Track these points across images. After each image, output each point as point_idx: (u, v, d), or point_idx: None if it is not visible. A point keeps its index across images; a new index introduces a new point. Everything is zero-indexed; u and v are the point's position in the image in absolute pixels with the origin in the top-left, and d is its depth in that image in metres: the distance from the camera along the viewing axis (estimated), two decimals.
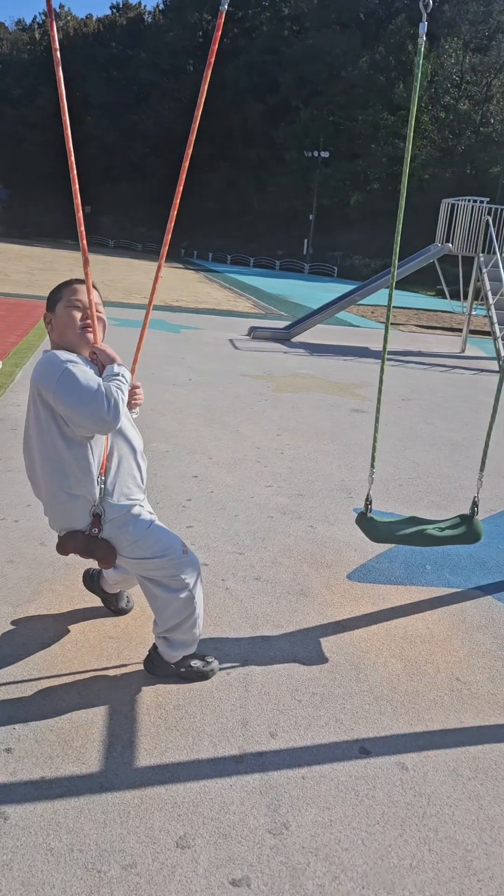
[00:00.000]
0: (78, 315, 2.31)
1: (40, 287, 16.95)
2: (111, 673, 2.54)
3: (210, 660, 2.59)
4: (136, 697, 2.42)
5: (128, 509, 2.32)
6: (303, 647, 2.83)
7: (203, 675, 2.55)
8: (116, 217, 64.69)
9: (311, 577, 3.45)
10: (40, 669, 2.52)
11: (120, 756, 2.15)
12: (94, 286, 2.43)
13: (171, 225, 2.64)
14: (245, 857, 1.84)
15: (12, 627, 2.76)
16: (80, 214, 2.39)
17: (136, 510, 2.35)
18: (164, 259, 2.73)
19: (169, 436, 5.63)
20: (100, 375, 2.23)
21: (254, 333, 12.54)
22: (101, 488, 2.24)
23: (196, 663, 2.54)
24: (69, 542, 2.29)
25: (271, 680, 2.59)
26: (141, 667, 2.58)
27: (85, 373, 2.14)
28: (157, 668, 2.52)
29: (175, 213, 2.59)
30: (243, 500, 4.37)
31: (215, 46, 2.46)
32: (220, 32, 2.41)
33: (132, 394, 2.50)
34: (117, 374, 2.21)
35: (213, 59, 2.45)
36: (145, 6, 73.52)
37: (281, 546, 3.76)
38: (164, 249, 2.71)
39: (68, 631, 2.77)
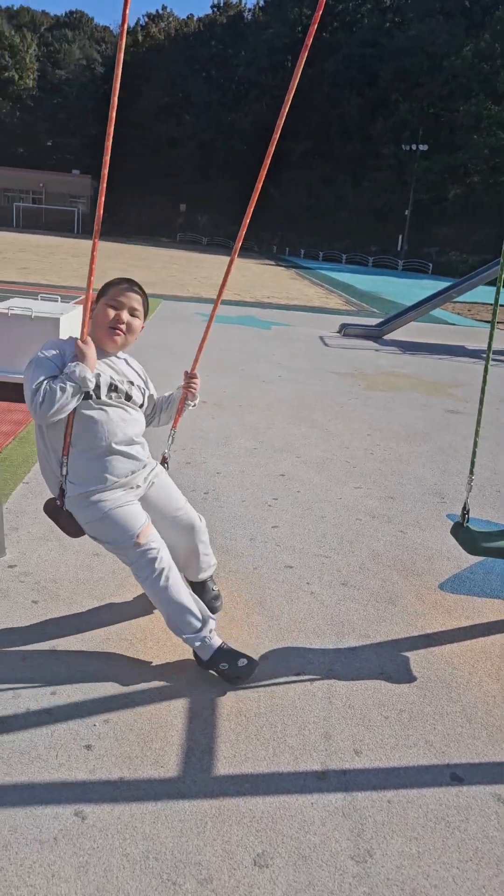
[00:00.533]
0: (111, 314, 2.44)
1: None
2: (192, 674, 2.49)
3: (242, 663, 2.42)
4: (216, 701, 2.36)
5: (86, 494, 2.43)
6: (391, 659, 2.70)
7: (231, 678, 2.43)
8: (211, 215, 65.46)
9: (400, 584, 3.30)
10: (122, 665, 2.50)
11: (198, 762, 2.09)
12: (138, 291, 2.49)
13: (246, 221, 2.59)
14: (325, 883, 1.74)
15: (95, 621, 2.76)
16: (100, 212, 2.34)
17: (95, 497, 2.43)
18: (236, 254, 2.71)
19: (257, 432, 5.57)
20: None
21: (345, 330, 12.34)
22: (63, 468, 2.43)
23: (223, 666, 2.43)
24: (46, 504, 2.55)
25: (357, 693, 2.48)
26: None
27: (42, 368, 2.34)
28: (198, 661, 2.50)
29: (253, 206, 2.55)
30: (331, 501, 4.25)
31: (310, 40, 2.37)
32: (315, 27, 2.30)
33: (187, 384, 2.69)
34: (67, 374, 2.31)
35: (307, 49, 2.35)
36: (245, 4, 73.89)
37: (369, 551, 3.63)
38: (238, 244, 2.65)
39: (151, 628, 2.75)
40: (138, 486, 2.56)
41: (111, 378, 2.48)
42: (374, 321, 13.88)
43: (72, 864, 1.73)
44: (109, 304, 2.44)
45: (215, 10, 74.10)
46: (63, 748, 2.09)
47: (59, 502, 2.49)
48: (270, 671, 2.55)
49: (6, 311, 5.58)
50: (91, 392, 2.38)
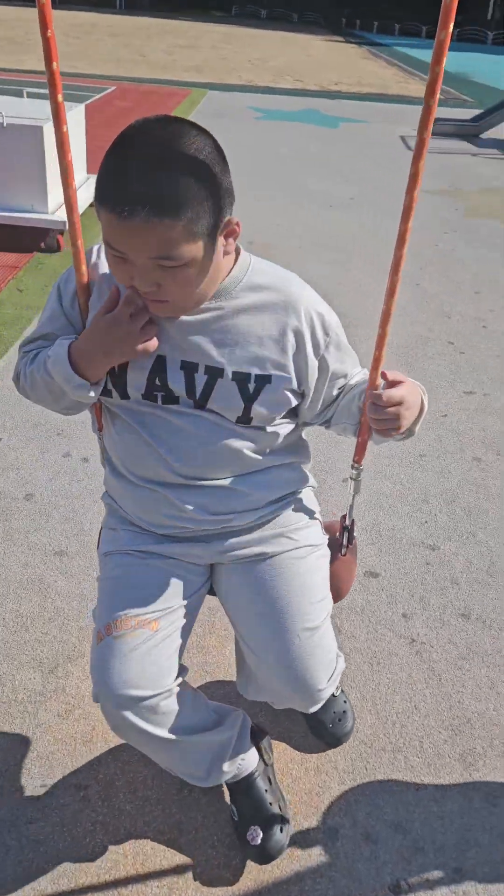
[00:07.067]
0: (117, 272, 1.03)
1: (178, 70, 14.58)
2: None
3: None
4: None
5: (108, 510, 1.37)
6: None
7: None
8: None
9: None
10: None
11: None
12: (158, 208, 0.92)
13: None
14: None
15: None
16: None
17: (111, 525, 1.32)
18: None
19: (324, 293, 3.98)
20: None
21: (433, 128, 9.88)
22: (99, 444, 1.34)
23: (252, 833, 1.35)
24: None
25: None
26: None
27: (44, 316, 1.22)
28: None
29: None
30: (429, 423, 2.80)
31: None
32: None
33: (375, 412, 1.11)
34: (49, 357, 1.14)
35: None
36: None
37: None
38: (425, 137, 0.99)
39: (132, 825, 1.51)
40: (202, 547, 1.25)
41: (158, 367, 1.13)
42: (468, 114, 11.19)
43: None
44: (108, 247, 1.00)
45: None
46: None
47: None
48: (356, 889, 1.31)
49: None
50: (112, 390, 1.17)
